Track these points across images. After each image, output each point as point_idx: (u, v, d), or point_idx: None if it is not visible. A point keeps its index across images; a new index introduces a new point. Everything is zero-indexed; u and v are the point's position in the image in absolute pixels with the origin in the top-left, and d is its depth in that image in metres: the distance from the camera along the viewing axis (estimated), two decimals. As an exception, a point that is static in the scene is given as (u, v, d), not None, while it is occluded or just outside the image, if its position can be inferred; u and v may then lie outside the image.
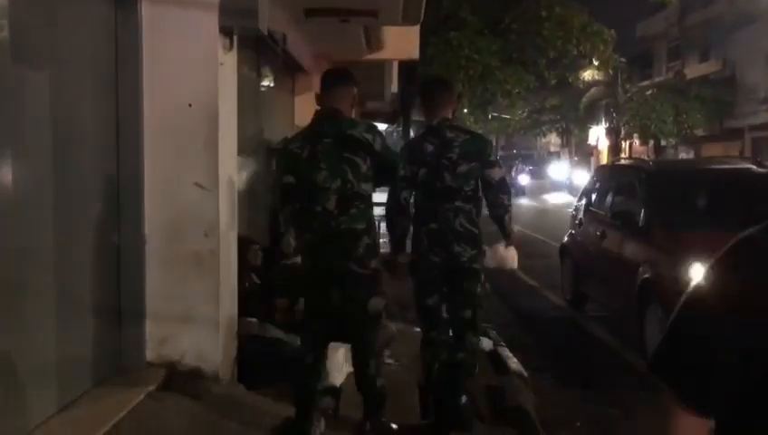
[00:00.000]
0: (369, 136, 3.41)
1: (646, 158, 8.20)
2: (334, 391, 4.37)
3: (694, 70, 33.60)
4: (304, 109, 9.46)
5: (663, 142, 35.39)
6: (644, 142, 37.24)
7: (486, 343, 5.55)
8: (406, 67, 15.08)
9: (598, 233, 6.76)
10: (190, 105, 3.84)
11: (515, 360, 5.26)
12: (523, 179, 39.04)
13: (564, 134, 48.22)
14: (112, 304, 3.79)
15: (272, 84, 7.70)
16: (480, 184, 3.85)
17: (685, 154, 34.64)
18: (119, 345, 3.83)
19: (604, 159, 45.38)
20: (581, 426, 4.41)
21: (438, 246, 3.80)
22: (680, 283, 5.12)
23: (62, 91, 3.31)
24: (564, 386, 5.14)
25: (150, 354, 3.90)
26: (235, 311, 4.19)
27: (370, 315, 3.45)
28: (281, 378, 4.44)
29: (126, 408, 3.28)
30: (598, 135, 45.49)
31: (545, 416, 4.38)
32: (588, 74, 33.66)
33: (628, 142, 40.69)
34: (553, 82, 19.66)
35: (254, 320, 4.89)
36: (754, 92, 28.88)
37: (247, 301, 4.66)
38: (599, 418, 4.58)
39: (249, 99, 6.22)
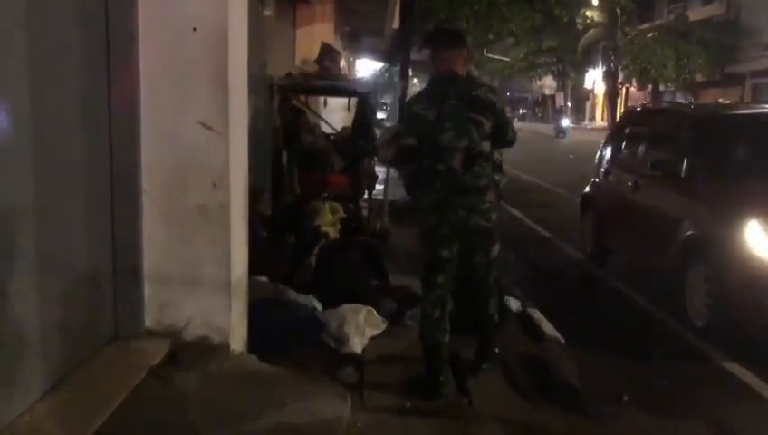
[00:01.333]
0: (492, 97, 3.59)
1: (684, 101, 7.48)
2: (356, 360, 3.93)
3: (696, 13, 32.67)
4: (305, 43, 8.77)
5: (662, 87, 34.69)
6: (642, 87, 36.52)
7: (514, 303, 5.09)
8: (407, 1, 14.25)
9: (630, 184, 6.24)
10: (195, 29, 3.22)
11: (548, 323, 4.80)
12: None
13: (560, 77, 47.29)
14: (105, 264, 3.25)
15: (273, 14, 6.99)
16: None
17: (683, 100, 34.00)
18: (113, 311, 3.31)
19: (600, 104, 44.74)
20: (630, 401, 3.98)
21: None
22: (733, 242, 4.66)
23: (39, 15, 2.68)
24: (600, 353, 4.69)
25: (150, 320, 3.40)
26: (246, 271, 3.66)
27: (492, 261, 3.72)
28: (295, 344, 3.99)
29: (126, 389, 2.79)
30: (594, 79, 44.65)
31: (587, 389, 3.94)
32: (588, 14, 32.67)
33: (625, 87, 39.94)
34: (565, 20, 18.85)
35: (265, 280, 4.39)
36: (759, 37, 28.10)
37: (255, 256, 4.13)
38: (647, 391, 4.15)
39: (252, 28, 5.57)
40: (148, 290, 3.37)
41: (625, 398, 4.01)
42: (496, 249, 3.72)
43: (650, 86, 35.15)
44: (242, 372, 3.27)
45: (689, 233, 5.11)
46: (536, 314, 4.96)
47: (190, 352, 3.25)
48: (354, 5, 10.83)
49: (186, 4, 3.21)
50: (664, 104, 8.86)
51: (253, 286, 3.88)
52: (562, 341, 4.49)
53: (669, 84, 33.41)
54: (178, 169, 3.30)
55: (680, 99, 34.11)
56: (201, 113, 3.27)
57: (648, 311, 5.63)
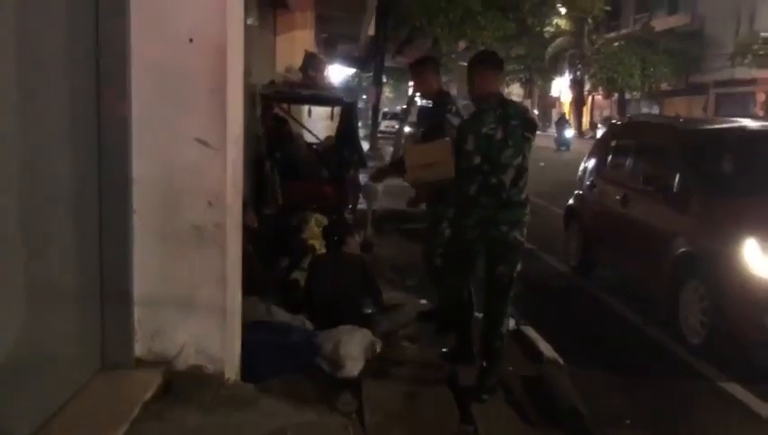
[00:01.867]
0: (534, 118, 4.04)
1: (648, 111, 7.48)
2: (353, 385, 3.77)
3: (662, 22, 33.20)
4: (286, 50, 8.59)
5: (628, 96, 35.19)
6: (608, 95, 37.01)
7: (508, 321, 4.96)
8: (385, 7, 14.16)
9: (618, 197, 6.20)
10: (191, 40, 3.04)
11: (545, 342, 4.70)
12: None
13: (527, 85, 47.70)
14: (93, 289, 3.04)
15: (257, 22, 6.80)
16: None
17: (647, 109, 34.54)
18: (101, 339, 3.10)
19: (566, 111, 45.24)
20: (633, 424, 3.89)
21: None
22: (730, 260, 4.62)
23: (25, 26, 2.48)
24: (596, 372, 4.61)
25: (140, 349, 3.19)
26: (240, 294, 3.48)
27: (514, 274, 3.85)
28: (289, 369, 3.81)
29: (119, 429, 2.58)
30: (561, 87, 45.12)
31: (588, 412, 3.84)
32: (560, 23, 32.96)
33: (591, 95, 40.44)
34: (537, 29, 18.98)
35: (256, 300, 4.20)
36: (722, 47, 28.68)
37: (244, 273, 3.93)
38: (649, 412, 4.07)
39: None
40: (138, 316, 3.17)
41: (627, 421, 3.92)
42: (518, 266, 3.87)
43: (616, 95, 35.65)
44: (239, 402, 3.09)
45: (683, 250, 5.06)
46: (531, 333, 4.85)
47: (184, 383, 3.06)
48: (333, 12, 10.69)
49: (181, 14, 3.02)
50: (648, 118, 8.86)
51: (244, 308, 3.70)
52: (561, 362, 4.39)
53: (635, 93, 33.92)
54: (172, 187, 3.11)
55: (645, 108, 34.73)
56: (197, 129, 3.08)
57: (640, 327, 5.57)
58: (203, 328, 3.21)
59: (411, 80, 5.36)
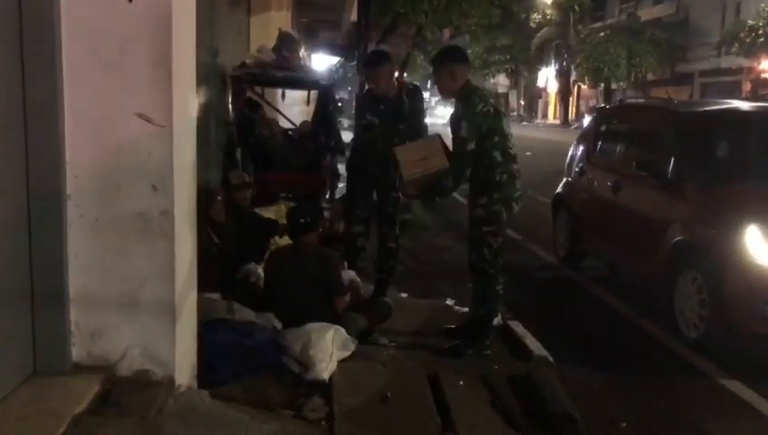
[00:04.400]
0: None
1: (665, 96, 7.12)
2: (323, 388, 3.42)
3: (647, 12, 33.07)
4: (261, 32, 8.19)
5: (614, 86, 34.99)
6: (594, 85, 36.78)
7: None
8: (367, -7, 13.76)
9: (609, 184, 5.88)
10: (130, 1, 2.66)
11: (533, 338, 4.38)
12: None
13: (513, 75, 47.47)
14: (20, 287, 2.67)
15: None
16: None
17: (634, 98, 34.28)
18: (32, 343, 2.73)
19: (552, 102, 45.04)
20: (629, 427, 3.58)
21: None
22: (730, 248, 4.31)
23: None
24: (588, 370, 4.28)
25: (78, 353, 2.83)
26: (194, 290, 3.11)
27: None
28: (253, 371, 3.46)
29: (41, 448, 2.22)
30: (547, 77, 44.88)
31: (580, 413, 3.51)
32: (547, 12, 32.63)
33: (577, 85, 40.23)
34: (523, 16, 18.68)
35: (217, 297, 3.84)
36: (707, 37, 28.55)
37: (205, 268, 3.55)
38: (646, 414, 3.75)
39: (203, 12, 4.99)
40: (74, 316, 2.80)
41: (623, 424, 3.61)
42: None
43: (602, 85, 35.43)
44: (189, 413, 2.73)
45: (679, 238, 4.75)
46: (519, 329, 4.53)
47: (126, 391, 2.70)
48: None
49: (118, -30, 2.64)
50: (641, 101, 8.54)
51: (203, 306, 3.34)
52: (551, 360, 4.07)
53: (621, 83, 33.71)
54: (110, 169, 2.73)
55: (630, 98, 34.50)
56: (138, 103, 2.71)
57: (633, 321, 5.26)
58: (149, 328, 2.84)
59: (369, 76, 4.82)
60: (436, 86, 4.43)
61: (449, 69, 4.13)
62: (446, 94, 4.27)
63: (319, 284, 3.96)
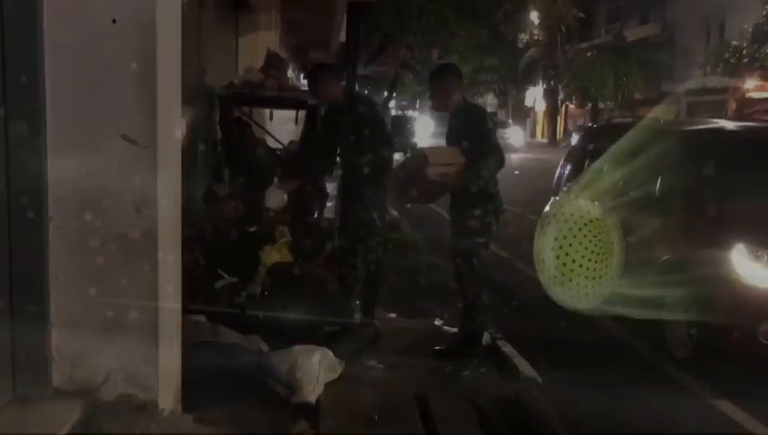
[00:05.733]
0: None
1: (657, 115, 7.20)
2: (310, 412, 3.38)
3: (633, 33, 33.48)
4: (249, 52, 8.20)
5: (601, 105, 35.30)
6: (581, 105, 37.10)
7: (484, 336, 4.63)
8: (356, 12, 13.85)
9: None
10: (114, 21, 2.64)
11: (522, 359, 4.35)
12: None
13: (501, 95, 47.76)
14: (1, 308, 2.62)
15: (214, 20, 6.41)
16: None
17: (621, 118, 34.55)
18: (11, 367, 2.67)
19: (540, 121, 45.33)
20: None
21: None
22: (717, 267, 4.32)
23: None
24: (578, 392, 4.25)
25: (58, 377, 2.77)
26: (178, 313, 3.07)
27: None
28: (238, 394, 3.41)
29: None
30: (535, 97, 45.23)
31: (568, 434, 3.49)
32: (535, 33, 32.96)
33: (565, 105, 40.57)
34: (510, 37, 18.85)
35: (202, 319, 3.80)
36: (692, 56, 28.92)
37: (189, 287, 3.52)
38: (634, 435, 3.73)
39: (189, 32, 4.99)
40: (56, 340, 2.75)
41: (613, 445, 3.58)
42: None
43: (590, 104, 35.74)
44: (174, 439, 2.68)
45: (666, 257, 4.75)
46: (507, 348, 4.51)
47: (108, 416, 2.65)
48: (300, 16, 10.34)
49: (103, -9, 2.63)
50: (629, 119, 8.62)
51: (187, 328, 3.30)
52: (540, 381, 4.04)
53: (609, 102, 34.03)
54: (93, 190, 2.70)
55: (619, 117, 34.78)
56: (122, 124, 2.68)
57: (621, 339, 5.25)
58: (133, 352, 2.80)
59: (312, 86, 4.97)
60: (429, 102, 4.66)
61: (446, 85, 4.22)
62: (440, 109, 4.37)
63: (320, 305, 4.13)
